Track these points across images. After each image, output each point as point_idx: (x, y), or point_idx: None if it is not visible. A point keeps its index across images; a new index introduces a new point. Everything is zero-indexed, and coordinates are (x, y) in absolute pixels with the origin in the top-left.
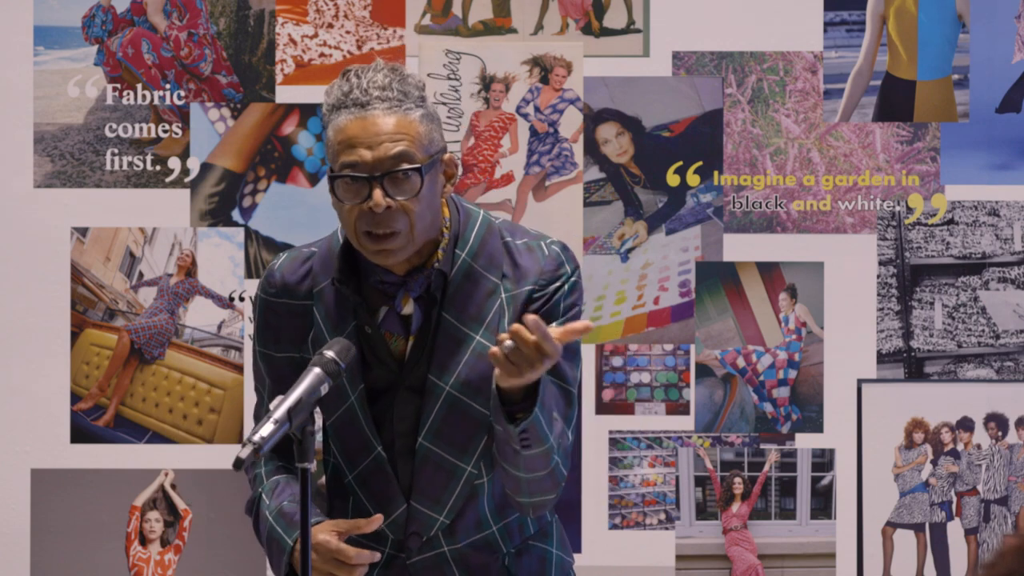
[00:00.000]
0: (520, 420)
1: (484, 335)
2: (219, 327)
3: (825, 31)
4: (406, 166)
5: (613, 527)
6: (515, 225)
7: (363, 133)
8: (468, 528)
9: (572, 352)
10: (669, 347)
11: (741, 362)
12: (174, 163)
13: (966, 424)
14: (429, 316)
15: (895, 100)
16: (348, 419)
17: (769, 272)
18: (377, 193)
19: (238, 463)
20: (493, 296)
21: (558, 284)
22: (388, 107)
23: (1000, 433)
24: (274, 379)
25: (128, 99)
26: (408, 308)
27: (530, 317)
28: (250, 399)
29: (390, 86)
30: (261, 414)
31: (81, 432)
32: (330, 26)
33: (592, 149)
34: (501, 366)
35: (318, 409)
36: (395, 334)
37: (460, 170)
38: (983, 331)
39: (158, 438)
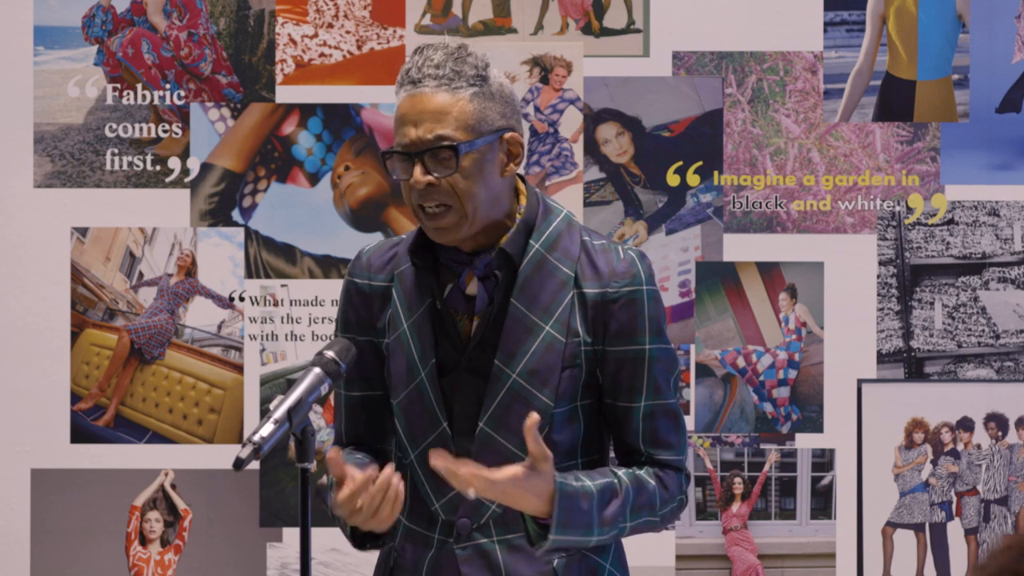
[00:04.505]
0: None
1: (554, 326)
2: (219, 327)
3: (825, 31)
4: (444, 144)
5: None
6: (595, 231)
7: (411, 111)
8: (520, 520)
9: (666, 362)
10: None
11: (741, 362)
12: (174, 163)
13: (966, 424)
14: (496, 299)
15: (895, 100)
16: (417, 396)
17: (769, 272)
18: (416, 169)
19: (238, 463)
20: (565, 289)
21: (634, 289)
22: (437, 85)
23: (1000, 433)
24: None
25: (128, 99)
26: (472, 287)
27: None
28: (251, 399)
29: (444, 64)
30: (342, 411)
31: (81, 432)
32: (330, 26)
33: (592, 149)
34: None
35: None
36: (460, 313)
37: (525, 150)
38: (983, 331)
39: (158, 438)
